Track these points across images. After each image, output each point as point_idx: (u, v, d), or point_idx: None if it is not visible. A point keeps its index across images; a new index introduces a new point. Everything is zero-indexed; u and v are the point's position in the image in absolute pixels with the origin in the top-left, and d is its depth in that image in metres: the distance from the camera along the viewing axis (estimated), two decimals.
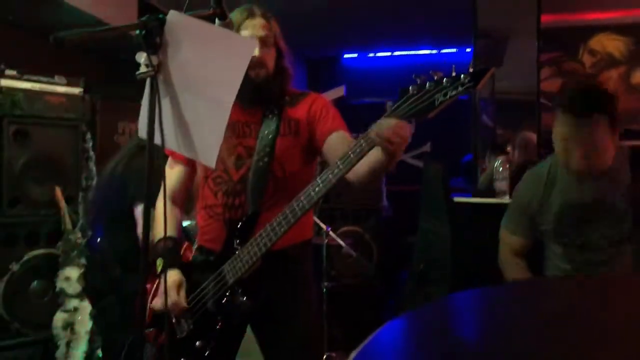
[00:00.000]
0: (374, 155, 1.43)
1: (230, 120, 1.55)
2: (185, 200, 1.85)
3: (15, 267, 2.96)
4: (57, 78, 3.16)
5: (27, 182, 3.03)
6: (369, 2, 4.73)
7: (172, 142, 1.49)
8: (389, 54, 6.68)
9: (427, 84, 1.27)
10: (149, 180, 1.35)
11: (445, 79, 1.25)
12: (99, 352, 3.10)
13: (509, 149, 3.63)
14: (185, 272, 1.68)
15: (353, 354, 0.72)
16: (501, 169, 3.25)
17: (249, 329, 1.82)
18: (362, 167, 1.47)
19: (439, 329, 0.88)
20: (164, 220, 1.41)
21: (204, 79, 1.43)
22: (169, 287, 1.61)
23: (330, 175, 1.44)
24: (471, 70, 1.22)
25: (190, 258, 1.78)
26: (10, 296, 2.94)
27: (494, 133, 3.79)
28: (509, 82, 3.72)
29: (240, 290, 1.59)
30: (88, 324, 3.06)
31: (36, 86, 3.07)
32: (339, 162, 1.43)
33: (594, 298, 1.06)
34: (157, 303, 1.64)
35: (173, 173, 1.78)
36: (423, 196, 3.74)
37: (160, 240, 1.67)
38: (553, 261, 1.95)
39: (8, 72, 2.97)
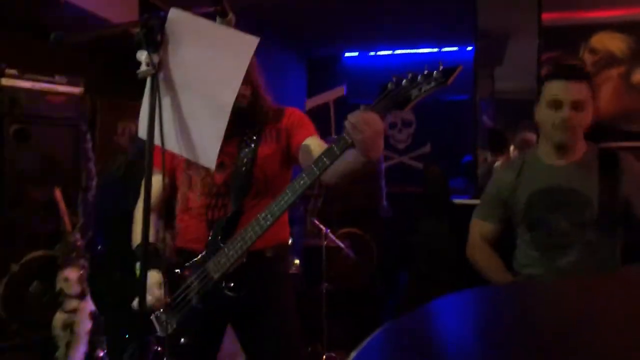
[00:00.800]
0: (351, 154, 1.49)
1: None
2: (163, 207, 1.91)
3: (14, 267, 2.95)
4: (57, 78, 3.16)
5: (27, 182, 3.02)
6: (370, 0, 4.73)
7: (171, 142, 1.49)
8: (390, 52, 6.68)
9: (403, 81, 1.39)
10: (149, 181, 1.35)
11: (419, 76, 1.38)
12: (99, 353, 3.09)
13: (512, 148, 3.63)
14: (168, 273, 1.74)
15: (353, 354, 0.71)
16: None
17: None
18: (339, 167, 1.54)
19: (438, 329, 0.87)
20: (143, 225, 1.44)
21: (204, 77, 1.43)
22: (152, 286, 1.68)
23: (313, 167, 1.50)
24: (441, 67, 1.36)
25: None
26: (10, 297, 2.93)
27: (493, 133, 3.79)
28: (510, 82, 3.71)
29: (224, 284, 1.66)
30: (87, 325, 3.06)
31: (36, 86, 3.06)
32: (323, 156, 1.49)
33: (586, 299, 1.05)
34: (135, 303, 1.67)
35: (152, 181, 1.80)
36: (423, 197, 3.74)
37: (138, 245, 1.77)
38: (522, 248, 2.00)
39: (8, 71, 2.96)
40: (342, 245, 3.56)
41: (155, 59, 1.32)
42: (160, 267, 1.73)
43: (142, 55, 1.32)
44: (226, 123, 1.43)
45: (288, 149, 1.80)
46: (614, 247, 1.89)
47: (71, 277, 3.03)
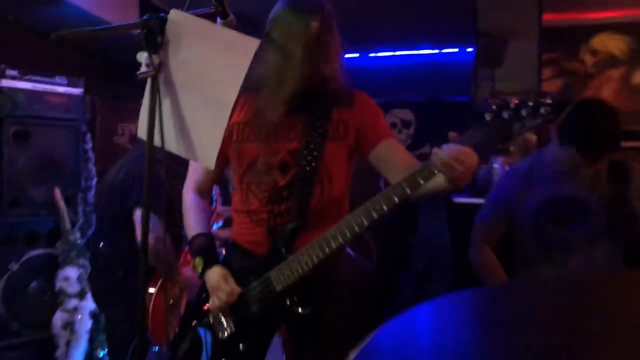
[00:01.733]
0: (437, 182, 1.41)
1: (272, 121, 1.54)
2: (211, 193, 1.80)
3: (14, 267, 2.96)
4: (57, 78, 3.16)
5: (27, 182, 3.02)
6: (370, 1, 4.73)
7: (171, 142, 1.49)
8: (390, 53, 6.67)
9: (505, 112, 1.26)
10: (149, 181, 1.35)
11: (522, 110, 1.24)
12: (99, 352, 3.10)
13: (512, 149, 3.63)
14: (230, 269, 1.64)
15: (353, 354, 0.72)
16: (500, 170, 3.25)
17: None
18: (425, 189, 1.44)
19: (438, 328, 0.88)
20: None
21: (205, 79, 1.43)
22: (219, 282, 1.58)
23: (394, 196, 1.42)
24: (550, 101, 1.22)
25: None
26: (10, 296, 2.94)
27: None
28: (510, 83, 3.71)
29: (288, 300, 1.56)
30: (87, 324, 3.06)
31: (37, 86, 3.07)
32: (404, 184, 1.41)
33: (588, 296, 1.06)
34: (214, 302, 1.59)
35: (201, 167, 1.69)
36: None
37: (195, 237, 1.65)
38: (525, 251, 1.99)
39: (9, 72, 2.96)
40: None
41: (156, 60, 1.32)
42: (218, 261, 1.63)
43: (142, 57, 1.32)
44: (226, 124, 1.42)
45: (356, 148, 1.64)
46: (619, 253, 1.89)
47: (71, 276, 3.04)
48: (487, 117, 1.26)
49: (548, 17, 3.61)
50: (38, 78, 3.07)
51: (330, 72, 1.59)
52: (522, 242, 2.02)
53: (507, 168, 3.24)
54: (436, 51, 6.34)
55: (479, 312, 0.99)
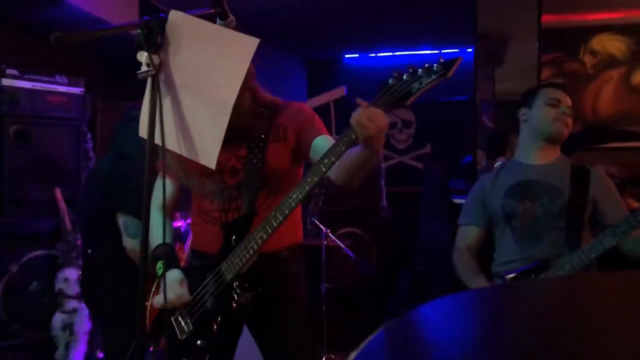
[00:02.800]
0: (355, 151, 1.51)
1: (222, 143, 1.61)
2: (174, 211, 1.95)
3: (14, 267, 2.95)
4: (58, 78, 3.16)
5: (27, 182, 3.02)
6: (370, 2, 4.73)
7: (172, 142, 1.49)
8: (390, 54, 6.68)
9: (404, 75, 1.39)
10: (149, 182, 1.35)
11: (419, 69, 1.38)
12: (98, 354, 3.09)
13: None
14: (186, 273, 1.75)
15: (353, 354, 0.71)
16: None
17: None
18: (345, 163, 1.56)
19: (438, 328, 0.88)
20: (161, 228, 1.58)
21: (204, 79, 1.43)
22: (173, 283, 1.69)
23: (322, 167, 1.51)
24: (441, 60, 1.36)
25: (184, 260, 1.82)
26: (10, 297, 2.94)
27: (493, 134, 3.79)
28: (510, 83, 3.71)
29: (238, 285, 1.66)
30: (87, 325, 3.06)
31: (37, 86, 3.07)
32: (329, 154, 1.51)
33: (581, 297, 1.06)
34: (159, 299, 1.66)
35: (161, 184, 1.80)
36: (423, 197, 3.74)
37: (158, 246, 1.75)
38: (501, 247, 2.13)
39: (9, 71, 2.96)
40: (342, 245, 3.56)
41: (156, 60, 1.32)
42: (178, 266, 1.74)
43: (142, 56, 1.32)
44: (226, 123, 1.43)
45: (298, 148, 1.79)
46: (579, 238, 2.00)
47: (71, 277, 3.04)
48: (390, 81, 1.41)
49: (548, 18, 3.61)
50: (38, 77, 3.07)
51: (254, 94, 1.77)
52: (496, 239, 2.16)
53: None
54: (436, 51, 6.34)
55: (479, 313, 0.99)
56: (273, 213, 1.59)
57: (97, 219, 2.37)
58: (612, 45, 3.57)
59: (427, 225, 3.70)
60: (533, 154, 2.14)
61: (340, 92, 5.57)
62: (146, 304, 1.73)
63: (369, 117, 1.40)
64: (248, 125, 1.75)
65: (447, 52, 6.27)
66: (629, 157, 3.29)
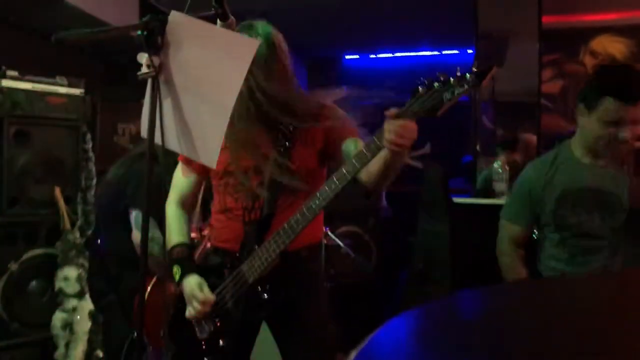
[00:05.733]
0: (382, 156, 1.49)
1: (247, 136, 1.63)
2: (193, 207, 1.91)
3: (14, 266, 2.95)
4: (58, 79, 3.16)
5: (27, 182, 3.02)
6: (371, 3, 4.74)
7: (173, 142, 1.49)
8: (390, 55, 6.68)
9: (435, 84, 1.34)
10: (149, 182, 1.35)
11: (451, 78, 1.32)
12: (99, 352, 3.09)
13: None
14: (203, 274, 1.73)
15: (353, 354, 0.72)
16: (500, 170, 3.26)
17: None
18: (373, 166, 1.54)
19: (439, 328, 0.88)
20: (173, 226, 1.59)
21: (205, 80, 1.43)
22: (193, 289, 1.66)
23: (346, 173, 1.50)
24: (475, 69, 1.30)
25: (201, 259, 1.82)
26: (9, 296, 2.93)
27: (494, 134, 3.80)
28: (510, 84, 3.72)
29: (260, 289, 1.65)
30: (87, 324, 3.06)
31: (37, 87, 3.06)
32: (354, 160, 1.49)
33: (595, 296, 1.06)
34: (190, 311, 1.67)
35: (185, 181, 1.83)
36: (423, 197, 3.74)
37: (174, 247, 1.74)
38: (548, 250, 1.97)
39: (9, 72, 2.96)
40: (341, 244, 3.56)
41: (156, 61, 1.33)
42: (194, 269, 1.71)
43: (142, 58, 1.33)
44: (226, 124, 1.43)
45: (325, 151, 1.76)
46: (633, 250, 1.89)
47: (71, 276, 3.04)
48: (421, 90, 1.36)
49: (548, 19, 3.62)
50: (38, 78, 3.07)
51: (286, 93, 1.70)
52: (543, 239, 1.99)
53: (506, 168, 3.25)
54: (436, 53, 6.35)
55: (480, 312, 0.99)
56: (295, 217, 1.57)
57: (112, 211, 2.42)
58: (612, 46, 3.58)
59: (427, 225, 3.70)
60: (586, 155, 1.92)
61: (340, 92, 5.58)
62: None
63: (401, 133, 1.37)
64: (277, 121, 1.69)
65: (447, 54, 6.28)
66: None
